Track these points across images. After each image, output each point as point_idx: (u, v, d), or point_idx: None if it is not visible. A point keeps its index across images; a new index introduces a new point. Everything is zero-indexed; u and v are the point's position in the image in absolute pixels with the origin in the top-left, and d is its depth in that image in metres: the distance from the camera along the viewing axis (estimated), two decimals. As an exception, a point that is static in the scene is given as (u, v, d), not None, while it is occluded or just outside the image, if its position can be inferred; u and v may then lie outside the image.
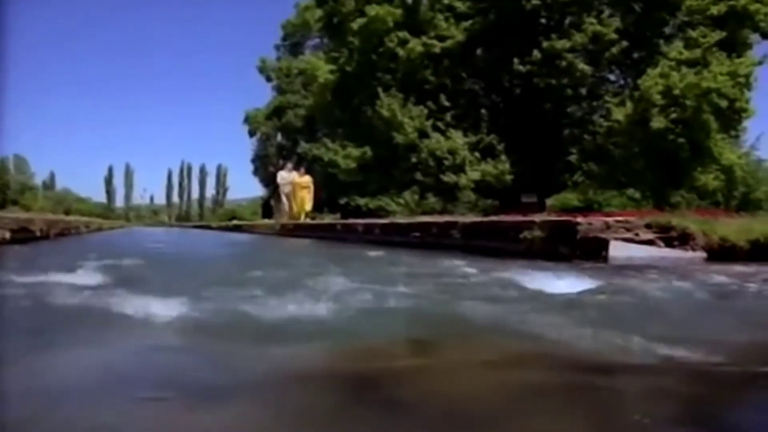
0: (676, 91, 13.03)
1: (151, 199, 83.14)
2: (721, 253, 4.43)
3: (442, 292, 2.61)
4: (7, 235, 6.66)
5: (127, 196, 79.80)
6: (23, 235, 7.32)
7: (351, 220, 10.99)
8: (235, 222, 29.42)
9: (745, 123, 14.73)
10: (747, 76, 13.77)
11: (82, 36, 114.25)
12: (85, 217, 22.46)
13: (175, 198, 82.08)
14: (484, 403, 1.23)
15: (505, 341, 1.75)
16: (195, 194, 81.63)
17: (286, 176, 14.73)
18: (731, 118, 13.94)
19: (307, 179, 14.69)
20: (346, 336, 1.77)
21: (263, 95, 46.68)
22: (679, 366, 1.50)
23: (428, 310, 2.22)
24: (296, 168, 15.48)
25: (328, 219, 14.62)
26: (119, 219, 55.40)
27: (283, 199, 14.72)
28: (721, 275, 3.14)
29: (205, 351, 1.62)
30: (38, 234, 8.26)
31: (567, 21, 16.24)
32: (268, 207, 31.04)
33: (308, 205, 14.57)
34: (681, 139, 13.14)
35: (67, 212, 36.77)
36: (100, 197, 75.74)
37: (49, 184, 66.40)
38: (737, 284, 2.83)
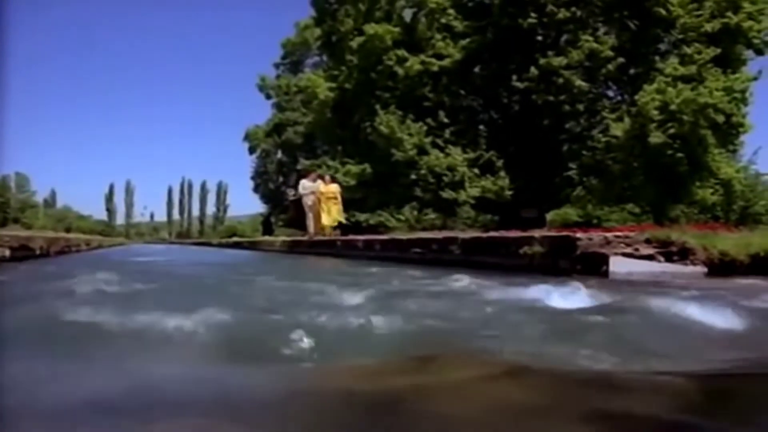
0: (673, 107, 13.15)
1: (152, 216, 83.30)
2: (721, 267, 4.42)
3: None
4: (7, 253, 6.66)
5: (128, 214, 79.98)
6: (23, 253, 7.32)
7: (351, 237, 10.99)
8: (235, 239, 29.41)
9: (743, 137, 14.86)
10: (743, 91, 13.91)
11: (82, 53, 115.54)
12: (86, 235, 22.45)
13: (176, 215, 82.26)
14: (483, 421, 1.22)
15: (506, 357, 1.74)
16: (195, 211, 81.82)
17: (309, 185, 13.08)
18: (728, 132, 14.06)
19: (334, 188, 13.22)
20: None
21: (263, 112, 46.94)
22: (677, 380, 1.49)
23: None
24: (321, 176, 13.84)
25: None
26: (120, 236, 55.38)
27: (306, 211, 13.11)
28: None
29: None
30: (38, 252, 8.26)
31: (563, 38, 16.46)
32: (268, 223, 31.09)
33: (337, 218, 13.05)
34: (679, 154, 13.23)
35: (68, 230, 36.78)
36: (101, 215, 75.86)
37: (51, 202, 66.56)
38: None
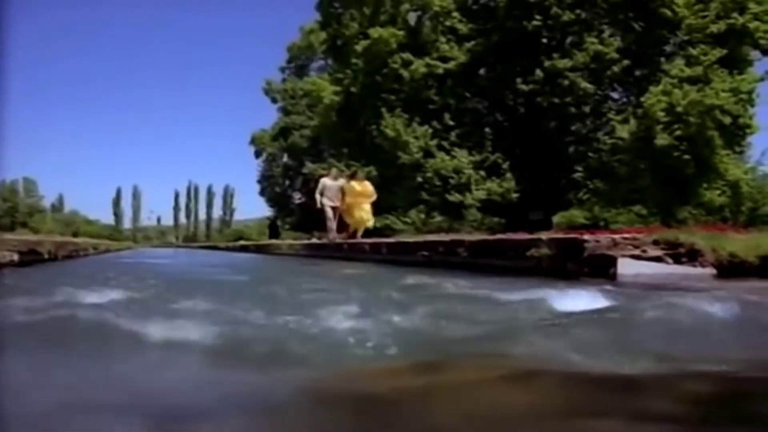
0: (679, 108, 13.11)
1: (159, 220, 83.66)
2: (731, 269, 4.39)
3: None
4: (16, 257, 6.69)
5: (135, 218, 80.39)
6: (32, 258, 7.36)
7: (358, 239, 11.00)
8: (242, 242, 29.51)
9: (750, 139, 14.79)
10: (749, 92, 13.86)
11: (88, 56, 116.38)
12: (93, 239, 22.58)
13: (183, 219, 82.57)
14: (492, 424, 1.23)
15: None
16: (202, 215, 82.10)
17: (331, 185, 11.77)
18: (735, 134, 14.00)
19: (369, 187, 11.76)
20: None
21: (269, 116, 47.15)
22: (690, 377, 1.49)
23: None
24: (353, 175, 12.28)
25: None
26: (127, 240, 55.67)
27: (328, 213, 11.63)
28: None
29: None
30: (46, 256, 8.31)
31: (568, 40, 16.46)
32: (274, 227, 31.19)
33: (371, 221, 11.72)
34: (686, 156, 13.18)
35: (75, 234, 37.02)
36: (109, 219, 76.33)
37: (58, 207, 67.03)
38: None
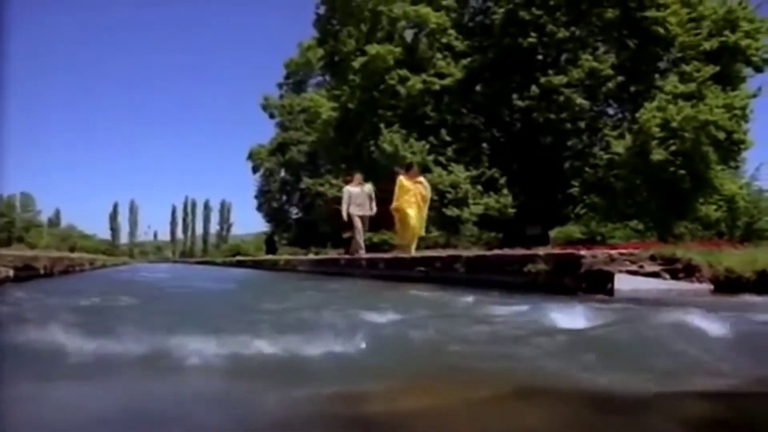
0: (674, 124, 13.25)
1: (155, 235, 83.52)
2: (727, 284, 4.39)
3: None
4: (11, 272, 6.66)
5: (132, 233, 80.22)
6: (27, 273, 7.32)
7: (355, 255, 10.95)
8: (239, 258, 29.42)
9: (744, 154, 14.94)
10: (743, 108, 14.04)
11: (86, 71, 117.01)
12: (90, 254, 22.49)
13: (180, 234, 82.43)
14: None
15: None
16: (199, 230, 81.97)
17: (357, 192, 10.31)
18: (730, 149, 14.15)
19: (423, 182, 9.62)
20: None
21: (267, 131, 47.35)
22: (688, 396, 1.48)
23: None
24: (408, 167, 10.23)
25: (333, 253, 14.59)
26: (124, 255, 55.45)
27: (357, 224, 10.18)
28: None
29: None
30: (42, 272, 8.26)
31: (563, 57, 16.67)
32: (272, 242, 31.13)
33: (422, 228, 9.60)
34: (681, 171, 13.28)
35: (71, 249, 36.86)
36: (105, 234, 76.11)
37: (55, 221, 66.90)
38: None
